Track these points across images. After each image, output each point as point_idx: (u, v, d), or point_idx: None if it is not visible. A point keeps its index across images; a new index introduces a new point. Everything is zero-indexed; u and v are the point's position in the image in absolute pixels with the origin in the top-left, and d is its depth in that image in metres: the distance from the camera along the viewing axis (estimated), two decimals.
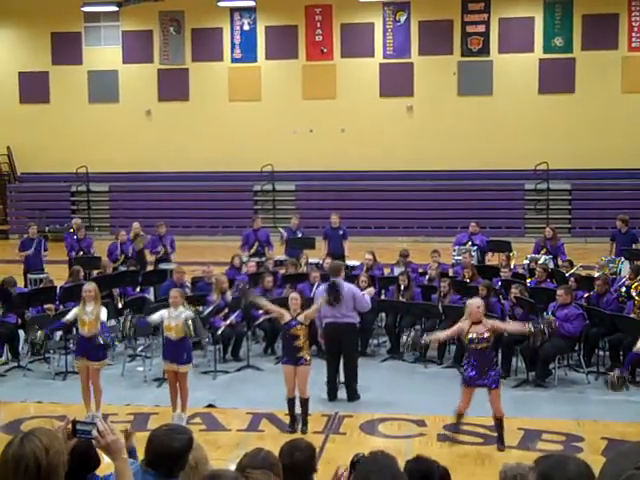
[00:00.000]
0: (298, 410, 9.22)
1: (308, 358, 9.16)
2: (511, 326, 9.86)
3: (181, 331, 9.37)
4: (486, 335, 8.44)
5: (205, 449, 4.30)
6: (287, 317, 9.21)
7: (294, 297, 9.39)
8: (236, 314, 11.58)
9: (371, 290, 10.99)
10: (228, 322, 11.46)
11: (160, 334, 11.11)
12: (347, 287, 10.27)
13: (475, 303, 8.69)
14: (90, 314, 9.53)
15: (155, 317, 9.77)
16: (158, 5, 24.81)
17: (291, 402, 9.19)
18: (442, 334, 9.61)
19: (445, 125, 24.88)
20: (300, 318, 9.15)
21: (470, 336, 8.48)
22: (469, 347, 8.56)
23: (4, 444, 2.96)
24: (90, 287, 9.73)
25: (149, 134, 26.19)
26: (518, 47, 24.68)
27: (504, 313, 11.46)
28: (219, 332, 11.32)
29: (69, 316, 9.91)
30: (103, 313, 9.67)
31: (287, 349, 9.22)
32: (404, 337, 12.00)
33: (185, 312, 9.54)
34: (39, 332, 11.82)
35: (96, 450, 3.88)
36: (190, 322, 9.44)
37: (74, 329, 10.50)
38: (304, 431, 8.97)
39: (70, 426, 3.27)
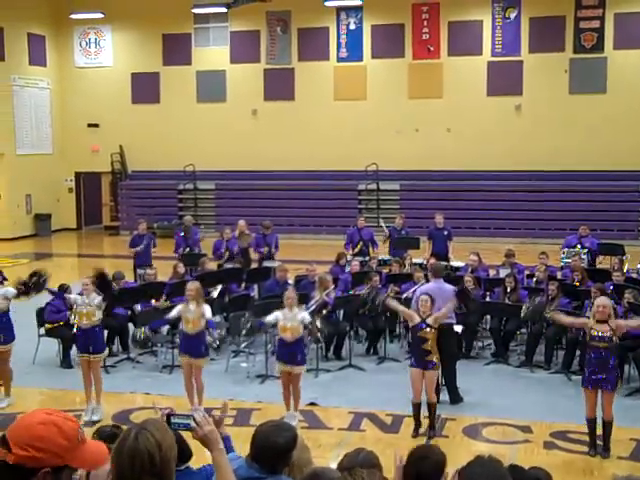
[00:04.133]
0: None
1: (436, 362, 8.90)
2: (634, 322, 9.42)
3: (297, 332, 9.28)
4: (607, 335, 8.23)
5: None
6: (416, 319, 8.92)
7: (424, 299, 8.96)
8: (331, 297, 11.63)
9: None
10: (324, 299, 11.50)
11: (263, 331, 11.23)
12: (450, 288, 10.17)
13: (599, 302, 8.49)
14: (193, 313, 9.53)
15: (270, 318, 9.62)
16: (265, 5, 25.13)
17: (417, 407, 8.94)
18: (566, 318, 9.38)
19: (555, 125, 24.21)
20: (429, 321, 8.83)
21: (592, 334, 8.31)
22: (590, 345, 8.35)
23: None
24: (192, 287, 9.65)
25: (255, 133, 26.54)
26: (635, 43, 23.73)
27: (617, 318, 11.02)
28: (309, 310, 11.03)
29: (173, 313, 9.93)
30: (207, 311, 9.63)
31: (415, 352, 8.96)
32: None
33: (300, 313, 9.46)
34: (141, 330, 12.21)
35: (186, 442, 3.87)
36: (310, 322, 9.39)
37: (180, 324, 10.66)
38: (431, 436, 8.82)
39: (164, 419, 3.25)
